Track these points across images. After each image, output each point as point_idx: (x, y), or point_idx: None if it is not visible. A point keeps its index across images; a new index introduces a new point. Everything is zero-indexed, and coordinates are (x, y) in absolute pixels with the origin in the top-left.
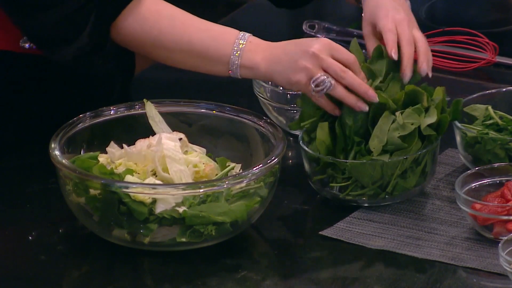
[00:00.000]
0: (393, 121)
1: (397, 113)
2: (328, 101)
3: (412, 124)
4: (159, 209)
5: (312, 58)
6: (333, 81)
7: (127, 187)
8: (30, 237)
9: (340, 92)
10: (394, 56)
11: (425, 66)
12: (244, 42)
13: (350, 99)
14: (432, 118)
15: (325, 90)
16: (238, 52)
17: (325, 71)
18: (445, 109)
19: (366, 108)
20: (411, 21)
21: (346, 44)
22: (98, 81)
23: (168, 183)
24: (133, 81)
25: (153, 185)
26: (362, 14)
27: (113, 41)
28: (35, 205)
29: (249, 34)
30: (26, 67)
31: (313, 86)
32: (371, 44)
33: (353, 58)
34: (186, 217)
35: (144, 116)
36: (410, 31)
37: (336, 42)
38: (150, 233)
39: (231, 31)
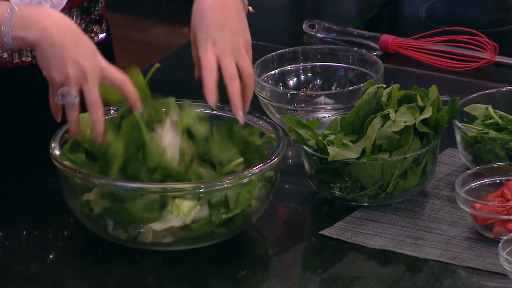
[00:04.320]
0: (387, 120)
1: (391, 111)
2: (57, 105)
3: (404, 122)
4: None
5: (79, 72)
6: (77, 102)
7: (127, 188)
8: (30, 237)
9: (73, 116)
10: (213, 105)
11: (241, 113)
12: (14, 14)
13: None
14: (427, 114)
15: (65, 104)
16: (9, 24)
17: (80, 89)
18: (440, 106)
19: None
20: (236, 46)
21: (346, 44)
22: None
23: (167, 183)
24: None
25: (153, 185)
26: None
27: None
28: (35, 205)
29: (19, 4)
30: (26, 67)
31: (59, 93)
32: (195, 53)
33: (123, 79)
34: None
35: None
36: (232, 62)
37: (336, 42)
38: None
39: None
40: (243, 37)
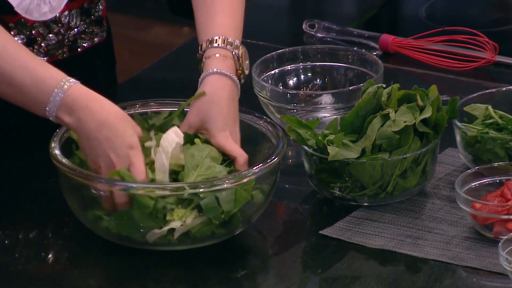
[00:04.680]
0: (387, 120)
1: (390, 111)
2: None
3: (404, 122)
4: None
5: (110, 166)
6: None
7: (127, 188)
8: (30, 237)
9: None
10: None
11: None
12: (62, 95)
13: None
14: (427, 114)
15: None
16: (55, 104)
17: None
18: (440, 106)
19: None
20: (238, 138)
21: (346, 44)
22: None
23: (168, 183)
24: (132, 81)
25: (153, 185)
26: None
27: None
28: (35, 205)
29: (73, 81)
30: None
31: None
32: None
33: (142, 179)
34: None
35: (143, 115)
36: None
37: (336, 42)
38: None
39: (54, 76)
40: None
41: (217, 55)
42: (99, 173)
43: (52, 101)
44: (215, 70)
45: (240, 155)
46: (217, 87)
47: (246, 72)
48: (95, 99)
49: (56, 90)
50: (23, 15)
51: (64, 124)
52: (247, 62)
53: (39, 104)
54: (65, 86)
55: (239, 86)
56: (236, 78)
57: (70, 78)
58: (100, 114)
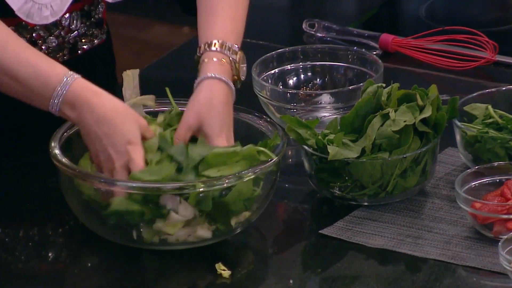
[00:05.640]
0: (386, 120)
1: (390, 110)
2: None
3: (404, 121)
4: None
5: (109, 161)
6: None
7: (126, 186)
8: (30, 236)
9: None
10: None
11: None
12: (65, 91)
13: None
14: (426, 114)
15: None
16: (59, 99)
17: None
18: (440, 106)
19: None
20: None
21: (345, 43)
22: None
23: (167, 183)
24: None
25: (152, 184)
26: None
27: None
28: (35, 205)
29: (76, 76)
30: None
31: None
32: (180, 133)
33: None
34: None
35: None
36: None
37: (336, 41)
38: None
39: (57, 71)
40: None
41: (214, 59)
42: (100, 167)
43: (56, 96)
44: (211, 75)
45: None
46: (215, 92)
47: (242, 78)
48: (96, 95)
49: (59, 85)
50: (24, 19)
51: (67, 119)
52: (244, 68)
53: (42, 99)
54: (68, 81)
55: (234, 92)
56: (231, 84)
57: (72, 73)
58: (100, 109)
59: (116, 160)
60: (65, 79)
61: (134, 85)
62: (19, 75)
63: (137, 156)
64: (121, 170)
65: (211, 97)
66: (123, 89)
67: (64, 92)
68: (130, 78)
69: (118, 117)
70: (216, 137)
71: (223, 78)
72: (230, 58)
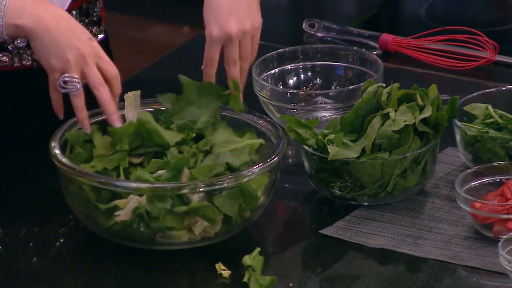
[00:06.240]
0: (387, 120)
1: (390, 110)
2: (59, 99)
3: (404, 121)
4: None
5: (79, 57)
6: (80, 87)
7: (126, 186)
8: (30, 236)
9: (79, 102)
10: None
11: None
12: (7, 4)
13: (106, 109)
14: (426, 114)
15: (68, 91)
16: (2, 7)
17: (82, 74)
18: (440, 106)
19: (117, 124)
20: (241, 30)
21: (345, 43)
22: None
23: (167, 182)
24: (132, 80)
25: (151, 184)
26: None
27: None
28: (35, 204)
29: None
30: (26, 71)
31: (61, 80)
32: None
33: (116, 72)
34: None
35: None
36: (233, 50)
37: (336, 41)
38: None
39: None
40: (250, 22)
41: None
42: (67, 70)
43: (1, 7)
44: None
45: (206, 56)
46: None
47: None
48: (39, 1)
49: None
50: None
51: (18, 32)
52: None
53: None
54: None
55: None
56: None
57: None
58: (53, 9)
59: (86, 55)
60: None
61: (135, 106)
62: None
63: (103, 53)
64: (93, 63)
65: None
66: (125, 110)
67: (8, 1)
68: (132, 99)
69: (71, 16)
70: (207, 30)
71: None
72: None
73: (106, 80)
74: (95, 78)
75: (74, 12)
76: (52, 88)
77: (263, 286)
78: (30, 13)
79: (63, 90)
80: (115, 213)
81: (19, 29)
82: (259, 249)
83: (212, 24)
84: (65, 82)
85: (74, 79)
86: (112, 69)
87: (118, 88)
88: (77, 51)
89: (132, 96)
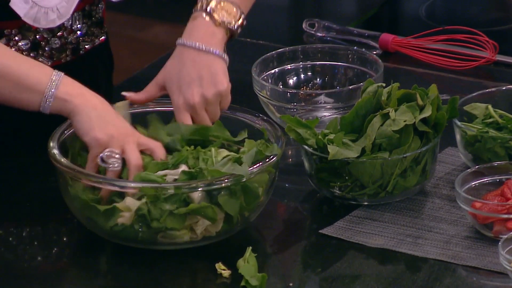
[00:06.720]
0: (387, 120)
1: (390, 110)
2: (95, 172)
3: (404, 121)
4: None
5: (122, 135)
6: (120, 165)
7: (125, 186)
8: (29, 236)
9: (110, 176)
10: None
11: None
12: (60, 78)
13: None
14: (426, 113)
15: (107, 167)
16: (55, 82)
17: (122, 152)
18: (440, 105)
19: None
20: (204, 99)
21: (346, 43)
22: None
23: (167, 182)
24: (132, 80)
25: (151, 183)
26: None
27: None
28: (35, 204)
29: (61, 74)
30: None
31: (103, 155)
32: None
33: (156, 143)
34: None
35: (143, 114)
36: (202, 116)
37: (336, 41)
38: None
39: (46, 66)
40: (213, 90)
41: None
42: (111, 145)
43: (51, 85)
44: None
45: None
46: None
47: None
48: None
49: (54, 73)
50: (31, 23)
51: (64, 106)
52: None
53: (37, 85)
54: (61, 73)
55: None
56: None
57: (55, 72)
58: (96, 94)
59: (129, 132)
60: (56, 71)
61: (125, 115)
62: (11, 67)
63: (139, 133)
64: (134, 143)
65: (179, 59)
66: None
67: (61, 78)
68: (121, 109)
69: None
70: (173, 99)
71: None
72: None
73: (148, 150)
74: (133, 157)
75: (76, 15)
76: (92, 163)
77: (257, 286)
78: (79, 92)
79: (103, 165)
80: (120, 214)
81: (67, 103)
82: (251, 248)
83: (176, 95)
84: (104, 158)
85: (115, 155)
86: (152, 143)
87: (162, 156)
88: (119, 128)
89: (122, 106)
